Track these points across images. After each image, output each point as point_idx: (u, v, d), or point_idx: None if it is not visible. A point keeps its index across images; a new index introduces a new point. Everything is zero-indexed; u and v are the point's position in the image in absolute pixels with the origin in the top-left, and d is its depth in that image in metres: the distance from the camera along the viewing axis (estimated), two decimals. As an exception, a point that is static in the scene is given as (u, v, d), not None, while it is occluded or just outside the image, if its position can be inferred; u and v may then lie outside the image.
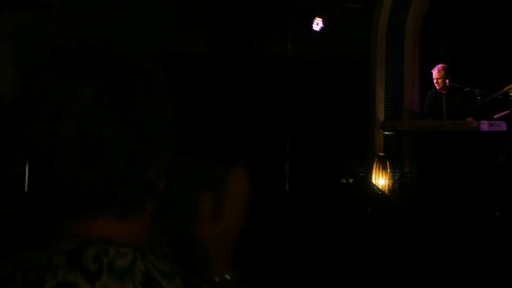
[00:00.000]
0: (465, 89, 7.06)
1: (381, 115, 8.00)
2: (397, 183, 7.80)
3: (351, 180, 7.60)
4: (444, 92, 7.24)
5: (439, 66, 7.22)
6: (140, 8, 7.74)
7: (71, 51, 0.90)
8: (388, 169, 7.81)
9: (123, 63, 0.90)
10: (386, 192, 7.66)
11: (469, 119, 6.89)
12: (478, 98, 6.87)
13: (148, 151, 0.88)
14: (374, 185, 7.53)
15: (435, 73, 7.20)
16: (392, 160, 7.83)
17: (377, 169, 7.78)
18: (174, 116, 0.96)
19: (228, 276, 1.02)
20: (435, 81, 7.19)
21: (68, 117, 0.85)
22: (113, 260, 0.86)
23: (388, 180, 7.81)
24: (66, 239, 0.87)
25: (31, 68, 0.91)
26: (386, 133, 7.67)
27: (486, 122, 6.75)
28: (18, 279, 0.86)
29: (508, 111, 6.56)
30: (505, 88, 6.42)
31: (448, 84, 7.13)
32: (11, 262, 0.88)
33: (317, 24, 7.71)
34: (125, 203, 0.90)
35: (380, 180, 7.76)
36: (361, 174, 7.81)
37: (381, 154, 7.86)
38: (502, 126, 6.69)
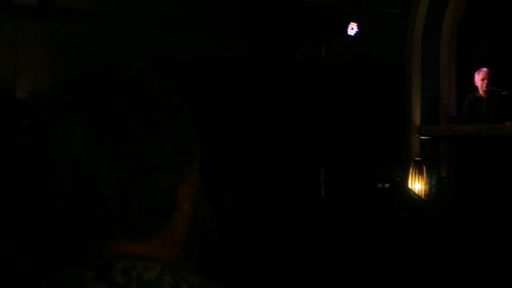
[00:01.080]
0: (502, 93, 6.97)
1: (417, 119, 7.93)
2: (434, 188, 7.72)
3: (387, 185, 7.55)
4: (484, 97, 7.15)
5: (485, 69, 7.12)
6: (176, 15, 7.80)
7: (71, 84, 0.93)
8: (425, 174, 7.73)
9: (118, 97, 0.91)
10: (423, 197, 7.59)
11: (507, 123, 6.80)
12: (516, 102, 6.79)
13: (145, 180, 0.90)
14: (410, 190, 7.46)
15: (481, 75, 7.09)
16: (429, 165, 7.75)
17: (413, 173, 7.71)
18: (192, 137, 0.97)
19: None
20: (481, 83, 7.08)
21: (64, 154, 0.89)
22: (141, 273, 0.89)
23: (425, 185, 7.73)
24: (97, 257, 0.91)
25: (34, 98, 0.95)
26: (422, 137, 7.61)
27: (524, 126, 6.67)
28: None
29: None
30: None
31: (488, 88, 7.05)
32: (46, 279, 0.92)
33: (352, 29, 7.69)
34: (130, 231, 0.92)
35: (417, 185, 7.69)
36: (397, 179, 7.75)
37: (417, 158, 7.79)
38: (541, 131, 6.61)
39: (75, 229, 0.92)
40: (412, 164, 7.73)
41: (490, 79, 7.07)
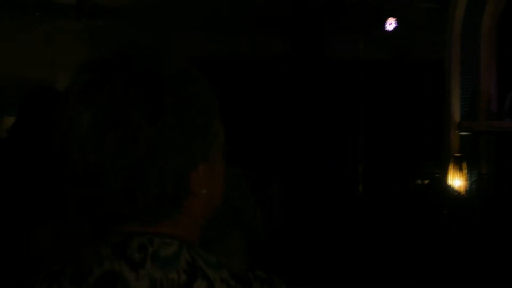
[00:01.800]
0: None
1: (456, 115, 7.85)
2: (474, 184, 7.64)
3: (426, 182, 7.49)
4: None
5: None
6: (215, 13, 7.82)
7: (83, 71, 0.93)
8: (464, 170, 7.66)
9: (126, 83, 0.90)
10: (463, 193, 7.52)
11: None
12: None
13: (151, 169, 0.89)
14: (450, 186, 7.40)
15: None
16: (469, 161, 7.67)
17: (453, 170, 7.64)
18: (207, 125, 0.95)
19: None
20: None
21: (72, 142, 0.90)
22: (157, 250, 0.90)
23: (465, 181, 7.65)
24: (113, 235, 0.92)
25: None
26: (462, 133, 7.54)
27: None
28: (68, 272, 0.92)
29: None
30: None
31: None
32: (63, 259, 0.94)
33: (390, 25, 7.64)
34: (140, 217, 0.92)
35: (456, 181, 7.61)
36: (437, 175, 7.68)
37: (457, 155, 7.71)
38: None
39: (90, 214, 0.93)
40: (451, 160, 7.66)
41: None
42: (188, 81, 0.96)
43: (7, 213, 2.29)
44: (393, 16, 7.63)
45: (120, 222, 0.93)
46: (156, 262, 0.89)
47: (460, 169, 7.62)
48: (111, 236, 0.92)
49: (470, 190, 7.60)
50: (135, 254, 0.90)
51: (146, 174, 0.89)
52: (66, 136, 0.91)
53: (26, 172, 2.34)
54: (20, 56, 8.22)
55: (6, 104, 7.04)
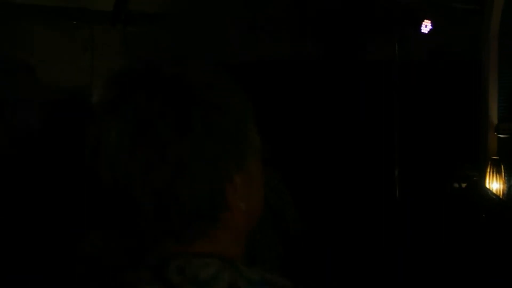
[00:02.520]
0: None
1: (494, 117, 7.73)
2: (513, 187, 7.53)
3: (463, 185, 7.39)
4: None
5: None
6: (247, 17, 7.85)
7: (111, 84, 0.91)
8: (503, 173, 7.54)
9: (152, 96, 0.87)
10: (501, 196, 7.40)
11: None
12: None
13: (183, 185, 0.86)
14: (488, 189, 7.29)
15: None
16: (507, 164, 7.55)
17: (491, 173, 7.52)
18: (239, 134, 0.92)
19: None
20: None
21: (101, 159, 0.88)
22: (196, 271, 0.87)
23: (503, 184, 7.53)
24: (153, 257, 0.91)
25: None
26: (500, 136, 7.43)
27: None
28: None
29: None
30: None
31: None
32: (106, 283, 0.92)
33: (426, 26, 7.56)
34: (176, 236, 0.90)
35: (494, 184, 7.49)
36: (474, 178, 7.57)
37: (495, 157, 7.60)
38: None
39: (125, 233, 0.93)
40: (489, 163, 7.55)
41: None
42: (217, 90, 0.93)
43: (51, 219, 2.33)
44: (428, 18, 7.55)
45: (157, 239, 0.91)
46: (195, 286, 0.86)
47: (498, 172, 7.50)
48: (150, 257, 0.91)
49: (508, 193, 7.48)
50: (173, 277, 0.87)
51: (178, 190, 0.87)
52: (95, 153, 0.89)
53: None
54: (59, 62, 8.35)
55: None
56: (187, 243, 0.91)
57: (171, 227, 0.89)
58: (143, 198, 0.86)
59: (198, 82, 0.92)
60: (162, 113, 0.87)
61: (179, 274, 0.87)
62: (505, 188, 7.52)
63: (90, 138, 0.90)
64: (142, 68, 0.94)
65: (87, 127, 0.91)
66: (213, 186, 0.89)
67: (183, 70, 0.93)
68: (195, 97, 0.89)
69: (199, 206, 0.88)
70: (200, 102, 0.89)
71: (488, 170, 7.51)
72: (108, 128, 0.88)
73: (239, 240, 0.96)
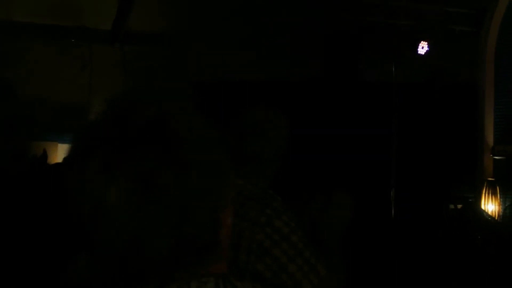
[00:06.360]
0: None
1: (490, 139, 7.77)
2: (508, 209, 7.53)
3: (459, 206, 7.41)
4: None
5: None
6: (248, 36, 7.88)
7: (80, 136, 0.90)
8: (498, 195, 7.55)
9: (149, 149, 0.87)
10: (497, 218, 7.42)
11: None
12: None
13: (190, 228, 0.88)
14: (483, 211, 7.30)
15: None
16: (503, 185, 7.57)
17: (487, 194, 7.54)
18: (222, 164, 0.93)
19: None
20: None
21: (103, 216, 0.86)
22: None
23: (498, 206, 7.55)
24: (152, 281, 0.91)
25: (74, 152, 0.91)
26: (496, 157, 7.46)
27: None
28: None
29: None
30: None
31: None
32: None
33: (422, 48, 7.62)
34: (185, 268, 0.91)
35: (490, 206, 7.51)
36: (470, 200, 7.59)
37: (490, 179, 7.62)
38: None
39: (130, 275, 0.91)
40: (485, 184, 7.56)
41: None
42: (199, 125, 0.94)
43: (43, 240, 2.31)
44: (425, 40, 7.60)
45: (158, 272, 0.91)
46: None
47: (494, 193, 7.52)
48: (150, 281, 0.91)
49: (504, 215, 7.49)
50: None
51: (187, 233, 0.88)
52: (95, 211, 0.87)
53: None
54: (57, 80, 8.37)
55: (43, 128, 7.16)
56: (184, 269, 0.93)
57: (178, 263, 0.91)
58: (153, 249, 0.87)
59: (177, 122, 0.91)
60: (159, 165, 0.86)
61: None
62: (501, 210, 7.53)
63: (84, 197, 0.88)
64: (114, 117, 0.90)
65: (67, 181, 0.90)
66: (215, 218, 0.92)
67: (159, 112, 0.91)
68: (180, 141, 0.89)
69: (206, 240, 0.91)
70: (186, 145, 0.89)
71: (484, 191, 7.53)
72: (104, 191, 0.86)
73: (226, 250, 0.99)
